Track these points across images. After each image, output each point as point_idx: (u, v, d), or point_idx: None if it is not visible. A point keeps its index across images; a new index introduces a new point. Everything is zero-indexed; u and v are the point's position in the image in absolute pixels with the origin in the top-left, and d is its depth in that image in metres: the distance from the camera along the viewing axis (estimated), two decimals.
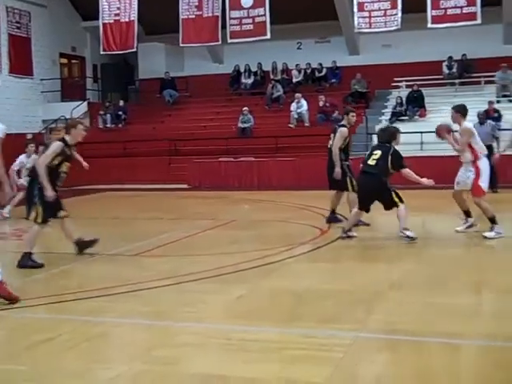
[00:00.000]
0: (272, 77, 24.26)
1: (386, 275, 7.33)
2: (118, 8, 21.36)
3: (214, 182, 18.34)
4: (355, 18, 19.44)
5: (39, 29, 24.93)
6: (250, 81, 24.92)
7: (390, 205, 9.12)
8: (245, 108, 21.54)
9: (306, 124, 21.06)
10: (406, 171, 9.19)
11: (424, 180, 9.20)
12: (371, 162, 9.19)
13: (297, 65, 24.29)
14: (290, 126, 21.16)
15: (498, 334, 5.17)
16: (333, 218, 10.78)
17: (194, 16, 21.05)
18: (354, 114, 10.85)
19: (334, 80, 23.81)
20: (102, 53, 22.34)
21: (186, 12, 21.04)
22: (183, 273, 7.44)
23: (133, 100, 27.27)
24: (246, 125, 21.41)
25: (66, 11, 26.51)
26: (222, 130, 21.75)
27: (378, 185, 9.10)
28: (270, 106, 23.03)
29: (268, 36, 20.24)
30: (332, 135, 10.66)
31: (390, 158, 9.08)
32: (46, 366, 4.70)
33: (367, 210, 9.40)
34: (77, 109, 24.80)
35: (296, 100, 21.32)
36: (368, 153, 9.55)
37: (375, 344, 5.07)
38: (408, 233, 8.95)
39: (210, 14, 20.93)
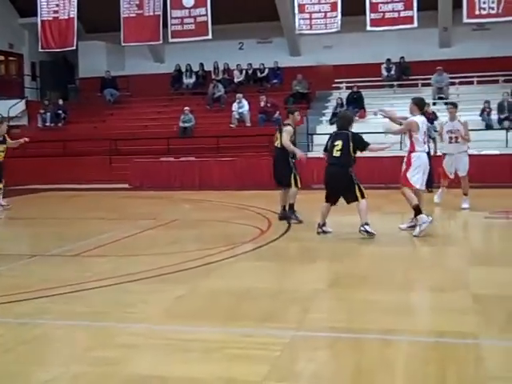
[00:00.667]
0: (213, 77, 24.29)
1: (324, 274, 7.49)
2: (57, 5, 21.02)
3: (155, 182, 18.26)
4: (296, 20, 19.60)
5: None
6: (191, 80, 24.89)
7: (352, 198, 9.32)
8: (186, 108, 21.51)
9: (248, 124, 21.18)
10: (371, 147, 9.62)
11: (385, 146, 9.95)
12: (336, 153, 9.39)
13: (238, 65, 24.38)
14: (231, 126, 21.23)
15: (431, 330, 5.34)
16: (288, 214, 10.94)
17: (135, 15, 20.88)
18: (299, 113, 11.38)
19: (275, 80, 23.99)
20: (40, 50, 21.96)
21: (127, 10, 20.84)
22: (123, 273, 7.40)
23: (73, 99, 26.90)
24: (187, 124, 21.38)
25: (3, 7, 25.98)
26: (163, 129, 21.67)
27: (345, 177, 9.31)
28: (212, 106, 23.06)
29: (209, 36, 20.22)
30: (278, 134, 11.01)
31: (351, 143, 9.32)
32: None
33: (334, 202, 9.55)
34: (14, 107, 24.37)
35: (237, 100, 21.41)
36: (329, 143, 9.62)
37: (312, 342, 5.14)
38: (368, 228, 9.14)
39: (152, 13, 20.79)
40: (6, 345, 5.13)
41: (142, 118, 23.22)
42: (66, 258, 8.67)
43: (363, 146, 9.47)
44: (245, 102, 21.32)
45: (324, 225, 9.66)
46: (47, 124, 23.80)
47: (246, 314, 5.80)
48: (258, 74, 24.42)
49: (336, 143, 9.42)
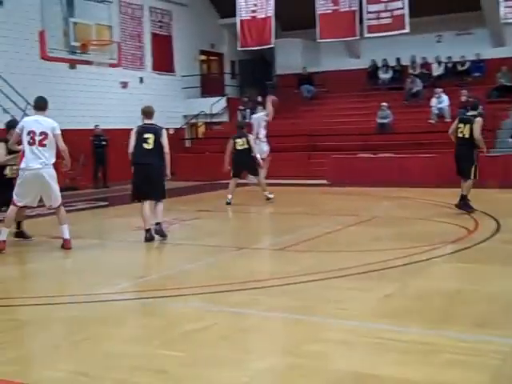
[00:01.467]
0: (410, 71, 23.72)
1: None
2: (255, 4, 21.64)
3: (352, 178, 18.18)
4: (501, 9, 18.59)
5: (180, 27, 25.79)
6: (387, 76, 24.52)
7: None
8: (383, 103, 21.21)
9: (447, 119, 20.40)
10: None
11: None
12: None
13: (437, 57, 23.58)
14: (431, 121, 20.60)
15: None
16: (464, 205, 11.35)
17: (330, 11, 20.94)
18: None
19: (477, 73, 22.91)
20: (239, 49, 22.73)
21: (322, 7, 20.96)
22: (329, 268, 7.42)
23: (270, 95, 27.52)
24: (384, 120, 21.08)
25: (205, 9, 27.22)
26: (359, 125, 21.52)
27: None
28: (409, 102, 22.53)
29: (407, 30, 19.76)
30: (462, 125, 11.39)
31: None
32: (201, 353, 4.83)
33: None
34: (216, 104, 25.48)
35: (436, 95, 20.74)
36: None
37: None
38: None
39: (347, 9, 20.74)
40: (222, 332, 5.32)
41: (339, 114, 23.22)
42: (272, 251, 8.87)
43: None
44: (444, 97, 20.60)
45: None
46: (247, 120, 24.56)
47: (459, 318, 5.55)
48: (458, 68, 23.47)
49: None
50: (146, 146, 9.39)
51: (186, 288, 6.78)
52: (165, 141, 9.43)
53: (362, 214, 12.15)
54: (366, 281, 6.91)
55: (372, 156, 19.21)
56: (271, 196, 14.02)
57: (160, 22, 25.17)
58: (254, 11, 21.66)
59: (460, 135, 11.45)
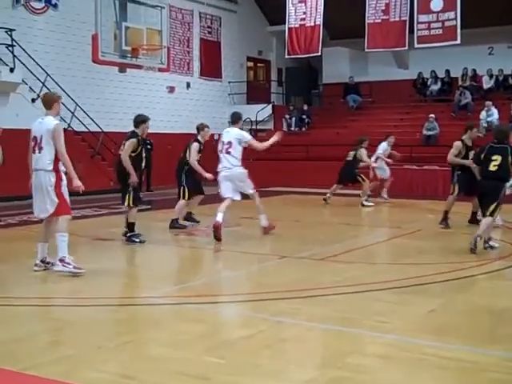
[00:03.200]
0: (460, 83, 23.42)
1: None
2: (304, 12, 21.60)
3: (396, 190, 18.01)
4: None
5: (228, 33, 25.95)
6: (436, 87, 24.26)
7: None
8: (431, 115, 20.99)
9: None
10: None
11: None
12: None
13: (489, 70, 23.23)
14: (479, 134, 20.25)
15: None
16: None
17: (380, 20, 20.78)
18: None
19: None
20: (286, 57, 22.73)
21: (372, 16, 20.82)
22: (372, 281, 7.36)
23: (316, 104, 27.53)
24: (431, 132, 20.86)
25: (254, 16, 27.33)
26: (406, 136, 21.30)
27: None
28: (457, 114, 22.23)
29: (458, 41, 19.50)
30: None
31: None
32: (243, 361, 4.84)
33: None
34: (261, 111, 25.52)
35: (486, 108, 20.43)
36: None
37: None
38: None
39: (397, 19, 20.56)
40: (264, 341, 5.32)
41: (385, 125, 23.01)
42: (314, 261, 8.84)
43: None
44: (494, 110, 20.28)
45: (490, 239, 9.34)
46: (292, 128, 24.59)
47: (507, 337, 5.45)
48: (510, 81, 23.08)
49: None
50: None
51: (229, 295, 6.81)
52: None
53: (406, 226, 12.02)
54: (409, 295, 6.83)
55: (417, 168, 19.00)
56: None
57: (209, 27, 25.37)
58: (303, 19, 21.63)
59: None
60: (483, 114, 20.46)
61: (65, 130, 19.69)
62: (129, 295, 6.81)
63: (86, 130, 19.74)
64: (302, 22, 21.64)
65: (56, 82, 18.96)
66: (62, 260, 7.52)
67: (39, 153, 7.61)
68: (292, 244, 10.60)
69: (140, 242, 9.82)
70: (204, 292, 6.99)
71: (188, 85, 24.39)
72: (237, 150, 10.21)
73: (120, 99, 21.30)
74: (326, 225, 13.02)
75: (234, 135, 10.24)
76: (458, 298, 6.82)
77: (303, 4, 21.44)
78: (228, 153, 10.20)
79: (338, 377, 4.55)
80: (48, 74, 18.95)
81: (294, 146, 22.15)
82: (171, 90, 23.53)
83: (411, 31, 20.20)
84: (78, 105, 19.36)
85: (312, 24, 21.45)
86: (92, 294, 6.85)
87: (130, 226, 9.90)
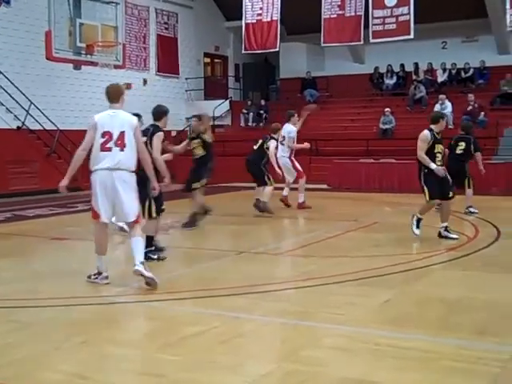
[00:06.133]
0: (414, 77, 23.72)
1: None
2: (261, 8, 21.61)
3: (354, 183, 18.19)
4: (507, 16, 18.59)
5: (185, 29, 25.83)
6: (391, 81, 24.52)
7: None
8: (387, 109, 21.22)
9: (450, 126, 20.33)
10: None
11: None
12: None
13: (442, 63, 23.55)
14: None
15: None
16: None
17: (336, 15, 20.91)
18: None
19: (481, 81, 22.89)
20: (243, 52, 22.70)
21: (328, 11, 20.94)
22: (328, 274, 7.40)
23: (274, 99, 27.56)
24: (387, 126, 21.09)
25: (211, 12, 27.26)
26: (362, 130, 21.52)
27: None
28: (412, 108, 22.52)
29: (411, 36, 19.74)
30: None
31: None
32: (198, 357, 4.83)
33: None
34: (219, 107, 25.46)
35: (440, 101, 20.70)
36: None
37: None
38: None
39: (353, 14, 20.72)
40: (220, 336, 5.31)
41: (342, 119, 23.23)
42: (271, 256, 8.87)
43: None
44: (448, 104, 20.56)
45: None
46: (249, 124, 24.60)
47: (460, 325, 5.55)
48: (463, 74, 23.45)
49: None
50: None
51: (184, 292, 6.78)
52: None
53: (363, 219, 12.13)
54: (365, 287, 6.90)
55: (373, 161, 19.19)
56: None
57: (166, 23, 25.21)
58: (259, 14, 21.64)
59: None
60: (437, 107, 20.66)
61: (19, 128, 19.64)
62: (84, 295, 6.74)
63: (41, 129, 19.46)
64: (259, 18, 21.65)
65: (9, 80, 18.67)
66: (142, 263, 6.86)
67: (122, 150, 6.84)
68: (249, 239, 10.64)
69: (158, 259, 8.31)
70: (159, 290, 6.94)
71: (145, 81, 24.20)
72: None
73: (76, 97, 21.05)
74: (284, 219, 13.07)
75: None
76: (412, 288, 6.92)
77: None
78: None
79: (295, 370, 4.58)
80: (1, 72, 18.64)
81: (251, 142, 22.11)
82: (128, 86, 23.23)
83: (366, 26, 20.37)
84: (32, 103, 19.09)
85: (269, 19, 21.47)
86: (50, 294, 6.76)
87: (149, 240, 8.26)
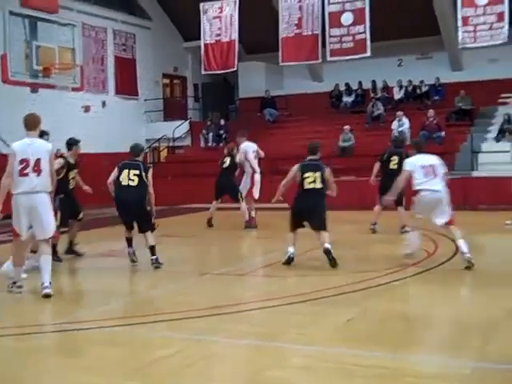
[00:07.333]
0: (372, 95, 24.04)
1: (500, 302, 6.97)
2: (219, 28, 21.67)
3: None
4: (459, 33, 18.99)
5: (143, 50, 25.80)
6: (350, 99, 24.79)
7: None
8: (346, 126, 21.39)
9: (408, 142, 20.65)
10: None
11: None
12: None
13: (399, 80, 23.93)
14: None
15: None
16: None
17: (293, 34, 21.05)
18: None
19: (436, 97, 23.29)
20: (203, 72, 22.68)
21: (285, 30, 21.08)
22: (290, 293, 7.45)
23: (233, 119, 27.63)
24: (346, 144, 21.26)
25: (169, 32, 27.28)
26: (322, 148, 21.62)
27: None
28: (371, 125, 22.79)
29: (368, 53, 20.02)
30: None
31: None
32: (165, 382, 4.84)
33: None
34: (179, 128, 25.43)
35: (397, 118, 21.00)
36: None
37: (494, 376, 4.86)
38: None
39: (310, 33, 20.90)
40: (187, 360, 5.30)
41: (301, 137, 23.27)
42: (233, 277, 8.86)
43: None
44: (405, 120, 20.86)
45: None
46: (209, 144, 24.61)
47: (421, 341, 5.65)
48: (418, 91, 23.85)
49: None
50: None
51: (146, 316, 6.73)
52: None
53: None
54: (326, 305, 6.95)
55: (334, 179, 19.25)
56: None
57: (123, 44, 25.12)
58: (218, 35, 21.69)
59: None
60: (395, 124, 21.01)
61: None
62: (40, 322, 6.66)
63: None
64: (218, 38, 21.69)
65: None
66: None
67: (39, 175, 7.51)
68: (212, 261, 10.65)
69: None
70: (120, 314, 6.89)
71: (104, 103, 24.05)
72: None
73: None
74: (245, 239, 13.09)
75: None
76: (374, 305, 6.97)
77: (218, 20, 21.52)
78: None
79: None
80: None
81: (211, 162, 22.14)
82: (86, 109, 23.15)
83: (324, 45, 20.59)
84: None
85: (228, 39, 21.52)
86: (5, 323, 6.65)
87: (153, 249, 9.40)
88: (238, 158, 14.43)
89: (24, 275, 8.33)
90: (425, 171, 9.12)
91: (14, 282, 7.85)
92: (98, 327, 6.35)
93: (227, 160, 14.45)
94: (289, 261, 9.22)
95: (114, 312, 7.08)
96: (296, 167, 9.82)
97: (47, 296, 7.41)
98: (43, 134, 8.87)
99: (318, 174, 9.52)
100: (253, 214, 14.23)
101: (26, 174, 7.46)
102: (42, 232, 7.64)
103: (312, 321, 6.37)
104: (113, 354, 5.48)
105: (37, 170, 7.49)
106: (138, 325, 6.39)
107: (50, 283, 7.48)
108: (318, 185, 9.52)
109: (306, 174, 9.55)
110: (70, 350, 5.75)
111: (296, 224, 9.52)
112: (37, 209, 7.52)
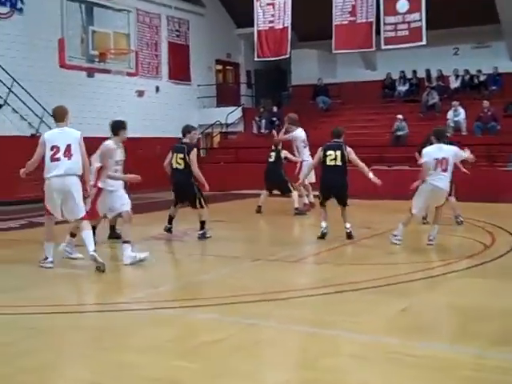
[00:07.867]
0: (427, 84, 23.65)
1: None
2: (273, 15, 21.58)
3: (366, 191, 18.06)
4: None
5: (196, 36, 25.88)
6: (404, 88, 24.45)
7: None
8: (399, 115, 21.11)
9: (464, 133, 20.33)
10: None
11: None
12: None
13: (455, 69, 23.48)
14: (447, 134, 20.45)
15: None
16: None
17: (347, 22, 20.81)
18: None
19: (494, 87, 22.78)
20: (256, 59, 22.67)
21: (339, 18, 20.85)
22: (344, 281, 7.40)
23: (286, 106, 27.51)
24: (400, 133, 20.99)
25: (222, 19, 27.29)
26: (375, 137, 21.43)
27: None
28: (425, 114, 22.43)
29: (424, 42, 19.66)
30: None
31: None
32: (216, 365, 4.82)
33: None
34: (231, 114, 25.50)
35: (453, 108, 20.63)
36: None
37: None
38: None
39: (364, 20, 20.63)
40: (238, 343, 5.31)
41: (354, 126, 23.09)
42: (287, 263, 8.85)
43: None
44: (461, 110, 20.48)
45: None
46: (262, 131, 24.58)
47: (477, 334, 5.51)
48: (475, 81, 23.36)
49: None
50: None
51: (202, 299, 6.78)
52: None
53: (376, 226, 12.09)
54: (381, 295, 6.87)
55: (387, 168, 19.10)
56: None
57: (177, 30, 25.28)
58: (271, 21, 21.60)
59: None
60: (450, 114, 20.65)
61: (33, 135, 19.72)
62: (100, 301, 6.76)
63: None
64: (271, 25, 21.61)
65: (23, 88, 18.75)
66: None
67: (69, 159, 8.13)
68: (266, 246, 10.65)
69: (209, 237, 10.59)
70: (175, 297, 6.95)
71: (157, 89, 24.26)
72: None
73: (89, 104, 21.09)
74: (297, 226, 13.07)
75: None
76: (428, 296, 6.89)
77: (271, 7, 21.43)
78: None
79: (312, 378, 4.58)
80: (14, 80, 18.72)
81: (264, 148, 22.11)
82: (140, 94, 23.40)
83: (378, 32, 20.32)
84: (46, 110, 19.13)
85: (281, 26, 21.42)
86: (64, 301, 6.77)
87: (202, 224, 10.55)
88: (283, 153, 14.71)
89: (80, 255, 8.58)
90: (436, 164, 9.34)
91: (46, 258, 8.31)
92: (151, 308, 6.42)
93: (272, 155, 14.66)
94: (322, 235, 10.24)
95: (167, 294, 7.16)
96: (320, 148, 10.74)
97: (94, 260, 7.96)
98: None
99: (338, 153, 10.38)
100: (306, 200, 14.18)
101: (58, 159, 8.09)
102: (71, 213, 8.20)
103: (365, 309, 6.31)
104: (163, 336, 5.53)
105: (67, 154, 8.12)
106: (191, 308, 6.42)
107: (95, 250, 8.02)
108: (339, 162, 10.43)
109: (328, 152, 10.47)
110: (126, 330, 5.80)
111: (324, 198, 10.55)
112: (69, 191, 8.07)
